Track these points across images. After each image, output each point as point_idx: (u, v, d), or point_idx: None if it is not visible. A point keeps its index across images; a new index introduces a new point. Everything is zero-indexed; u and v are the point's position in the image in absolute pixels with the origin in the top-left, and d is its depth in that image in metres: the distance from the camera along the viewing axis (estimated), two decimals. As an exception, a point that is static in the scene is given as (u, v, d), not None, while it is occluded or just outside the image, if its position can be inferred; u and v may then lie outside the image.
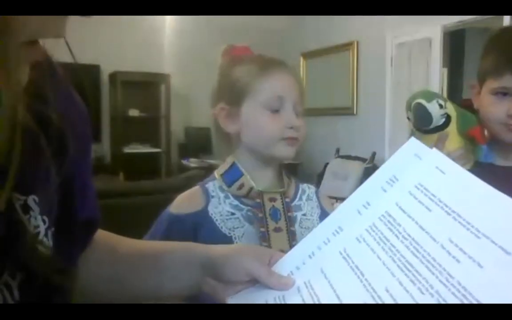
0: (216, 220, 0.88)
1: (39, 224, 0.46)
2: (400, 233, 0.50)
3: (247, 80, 0.90)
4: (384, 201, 0.54)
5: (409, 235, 0.49)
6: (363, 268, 0.50)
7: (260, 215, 0.87)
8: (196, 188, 0.93)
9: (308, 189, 0.99)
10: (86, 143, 0.56)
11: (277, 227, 0.87)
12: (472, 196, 0.48)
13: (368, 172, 4.37)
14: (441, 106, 0.97)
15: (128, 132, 5.03)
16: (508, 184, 0.97)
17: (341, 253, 0.53)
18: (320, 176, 4.78)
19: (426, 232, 0.48)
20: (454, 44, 5.55)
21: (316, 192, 1.00)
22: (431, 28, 4.01)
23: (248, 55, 0.98)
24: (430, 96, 0.99)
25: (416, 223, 0.49)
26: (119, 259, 0.63)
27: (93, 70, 4.85)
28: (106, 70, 5.02)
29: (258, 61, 0.94)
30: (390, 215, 0.52)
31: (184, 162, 5.17)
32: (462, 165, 0.98)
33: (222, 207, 0.89)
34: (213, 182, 0.93)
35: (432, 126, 0.98)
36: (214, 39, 5.46)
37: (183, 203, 0.91)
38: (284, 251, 0.82)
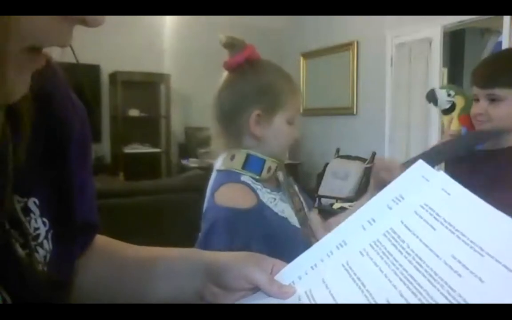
0: (271, 207, 1.00)
1: (40, 226, 0.46)
2: (403, 248, 0.50)
3: (285, 95, 1.03)
4: (389, 218, 0.55)
5: (412, 251, 0.49)
6: (365, 279, 0.50)
7: (284, 184, 1.06)
8: (239, 185, 1.00)
9: None
10: (85, 145, 0.55)
11: (292, 192, 1.07)
12: (476, 217, 0.49)
13: (368, 172, 4.37)
14: (449, 95, 1.38)
15: (128, 132, 5.02)
16: (494, 162, 1.24)
17: (343, 266, 0.54)
18: (320, 176, 4.78)
19: (430, 249, 0.48)
20: (454, 44, 5.55)
21: None
22: (431, 28, 4.01)
23: (274, 66, 1.07)
24: (444, 87, 1.44)
25: (420, 240, 0.50)
26: (121, 265, 0.62)
27: (93, 70, 4.86)
28: (106, 70, 5.02)
29: (285, 76, 1.06)
30: (394, 232, 0.53)
31: (184, 162, 5.17)
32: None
33: (267, 196, 1.01)
34: (242, 176, 1.01)
35: (439, 107, 1.40)
36: (214, 39, 5.45)
37: (245, 197, 0.98)
38: (300, 210, 1.01)
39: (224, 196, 0.99)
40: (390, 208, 0.56)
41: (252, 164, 1.02)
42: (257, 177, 1.01)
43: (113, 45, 4.86)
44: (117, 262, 0.62)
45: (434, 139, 4.17)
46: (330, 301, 0.51)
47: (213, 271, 0.57)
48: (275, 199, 1.02)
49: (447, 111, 1.39)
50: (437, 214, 0.51)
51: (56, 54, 0.43)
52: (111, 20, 0.38)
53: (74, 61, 0.49)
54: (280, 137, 1.03)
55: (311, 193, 4.81)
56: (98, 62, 4.86)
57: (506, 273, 0.42)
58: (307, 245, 0.91)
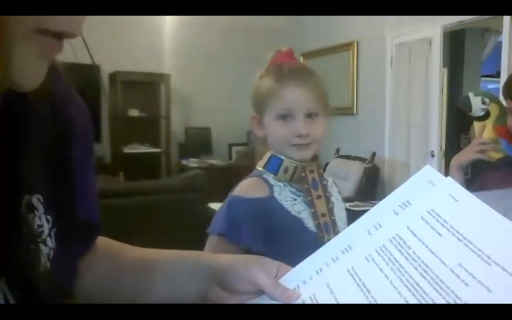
0: (284, 204, 1.03)
1: (43, 224, 0.46)
2: (409, 255, 0.50)
3: (266, 94, 1.06)
4: (395, 224, 0.55)
5: (418, 258, 0.49)
6: (370, 285, 0.50)
7: (306, 186, 1.05)
8: (255, 178, 1.06)
9: (328, 177, 1.15)
10: (87, 144, 0.55)
11: (317, 195, 1.05)
12: (483, 224, 0.48)
13: (368, 172, 4.38)
14: (483, 102, 1.35)
15: (128, 132, 5.02)
16: None
17: (348, 271, 0.53)
18: (320, 176, 4.78)
19: (436, 256, 0.48)
20: (454, 44, 5.54)
21: (332, 180, 1.18)
22: (431, 28, 4.01)
23: (280, 64, 1.08)
24: (479, 93, 1.38)
25: (426, 246, 0.49)
26: (122, 266, 0.62)
27: (93, 70, 4.85)
28: (106, 70, 5.02)
29: (276, 74, 1.06)
30: (400, 238, 0.52)
31: (184, 162, 5.17)
32: (492, 150, 1.33)
33: (285, 194, 1.04)
34: (264, 174, 1.06)
35: (473, 114, 1.37)
36: (214, 39, 5.46)
37: (253, 189, 1.04)
38: (324, 215, 1.02)
39: (237, 187, 1.05)
40: (397, 213, 0.56)
41: (271, 164, 1.06)
42: (274, 176, 1.05)
43: (113, 45, 4.86)
44: (118, 264, 0.62)
45: (434, 139, 4.17)
46: None
47: (217, 273, 0.57)
48: (295, 199, 1.04)
49: (480, 118, 1.37)
50: (444, 221, 0.50)
51: (64, 55, 0.42)
52: (111, 20, 0.38)
53: (74, 61, 0.49)
54: (272, 134, 1.06)
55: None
56: (98, 62, 4.86)
57: None
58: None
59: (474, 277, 0.43)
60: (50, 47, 0.37)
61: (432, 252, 0.48)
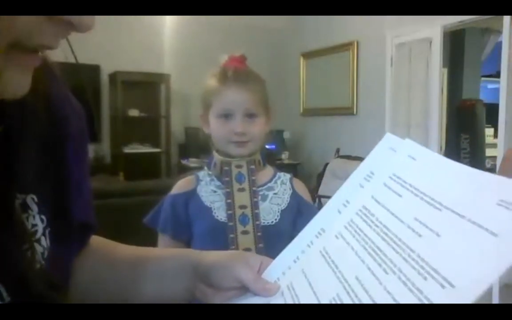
0: (202, 196, 1.15)
1: (37, 223, 0.46)
2: (373, 222, 0.51)
3: (210, 94, 1.15)
4: (361, 197, 0.56)
5: (380, 223, 0.50)
6: (338, 261, 0.51)
7: (227, 179, 1.13)
8: (189, 177, 1.21)
9: (283, 176, 1.23)
10: (82, 144, 0.55)
11: (241, 188, 1.13)
12: (437, 174, 0.49)
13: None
14: None
15: (128, 132, 5.02)
16: None
17: (320, 252, 0.55)
18: (320, 176, 4.78)
19: (396, 216, 0.49)
20: (454, 44, 5.55)
21: (290, 178, 1.23)
22: (431, 28, 4.01)
23: (227, 67, 1.15)
24: None
25: (388, 210, 0.50)
26: (113, 265, 0.63)
27: (93, 70, 4.85)
28: (106, 70, 5.02)
29: (221, 76, 1.15)
30: (366, 208, 0.54)
31: (184, 162, 5.17)
32: None
33: (207, 187, 1.16)
34: (203, 170, 1.21)
35: None
36: (214, 39, 5.47)
37: (179, 186, 1.19)
38: (244, 207, 1.09)
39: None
40: (362, 187, 0.57)
41: (209, 160, 1.18)
42: (209, 171, 1.17)
43: (113, 45, 4.86)
44: (111, 262, 0.63)
45: (434, 139, 4.17)
46: (308, 290, 0.52)
47: (202, 270, 0.58)
48: (215, 191, 1.14)
49: None
50: (404, 181, 0.52)
51: (58, 55, 0.43)
52: (111, 20, 0.38)
53: (74, 61, 0.49)
54: (214, 131, 1.15)
55: (311, 194, 4.79)
56: (98, 62, 4.86)
57: (459, 220, 0.41)
58: (226, 238, 1.07)
59: (426, 227, 0.44)
60: (27, 61, 0.37)
61: (393, 214, 0.49)
